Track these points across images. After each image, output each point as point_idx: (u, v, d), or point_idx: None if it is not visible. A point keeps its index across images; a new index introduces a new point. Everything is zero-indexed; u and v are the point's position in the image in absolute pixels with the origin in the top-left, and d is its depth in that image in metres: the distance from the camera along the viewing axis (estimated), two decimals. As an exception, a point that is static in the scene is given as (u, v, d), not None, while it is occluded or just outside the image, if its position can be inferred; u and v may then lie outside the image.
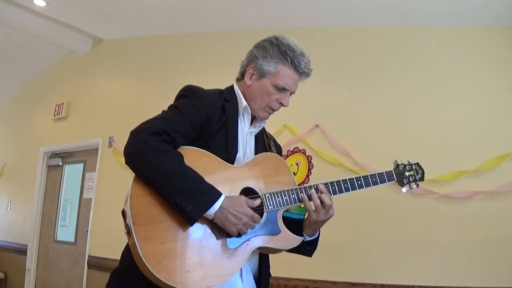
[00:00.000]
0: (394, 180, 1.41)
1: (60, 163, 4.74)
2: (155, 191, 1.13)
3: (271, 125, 3.01)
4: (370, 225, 2.64)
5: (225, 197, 1.17)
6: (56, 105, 4.84)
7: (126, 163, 1.17)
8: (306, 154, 2.94)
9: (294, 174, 2.57)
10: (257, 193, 1.28)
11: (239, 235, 1.19)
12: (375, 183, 1.37)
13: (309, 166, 2.90)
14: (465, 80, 2.63)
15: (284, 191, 1.29)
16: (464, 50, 2.67)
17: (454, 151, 2.53)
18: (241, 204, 1.19)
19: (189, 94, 1.31)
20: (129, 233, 1.10)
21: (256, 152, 1.40)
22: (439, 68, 2.70)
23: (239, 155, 1.33)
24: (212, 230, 1.18)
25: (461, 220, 2.43)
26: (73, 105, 4.74)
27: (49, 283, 4.45)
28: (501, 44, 2.60)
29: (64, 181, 4.69)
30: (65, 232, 4.46)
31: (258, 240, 1.24)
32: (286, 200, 1.29)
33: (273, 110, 1.42)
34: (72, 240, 4.34)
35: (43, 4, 3.76)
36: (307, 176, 2.90)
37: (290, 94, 1.42)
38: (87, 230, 4.08)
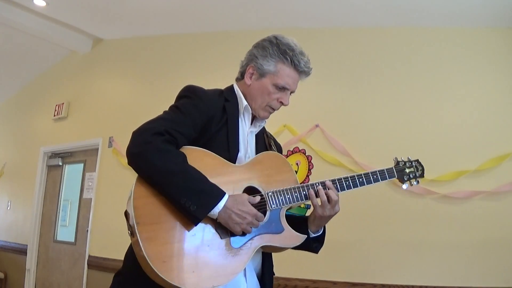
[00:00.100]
0: (394, 177, 1.43)
1: (60, 163, 4.74)
2: (158, 191, 1.13)
3: (271, 125, 3.01)
4: (370, 225, 2.65)
5: (229, 196, 1.17)
6: (56, 105, 4.84)
7: (129, 163, 1.16)
8: (306, 154, 2.94)
9: (294, 174, 2.57)
10: (260, 192, 1.28)
11: (243, 234, 1.19)
12: (376, 180, 1.38)
13: (309, 166, 2.90)
14: (465, 80, 2.63)
15: (286, 190, 1.30)
16: (464, 50, 2.67)
17: (454, 151, 2.53)
18: (245, 203, 1.19)
19: (190, 94, 1.31)
20: (132, 234, 1.10)
21: (257, 152, 1.40)
22: (439, 68, 2.70)
23: (241, 154, 1.33)
24: (216, 230, 1.18)
25: (461, 220, 2.43)
26: (73, 105, 4.74)
27: (49, 283, 4.45)
28: (501, 44, 2.61)
29: (64, 181, 4.69)
30: (65, 232, 4.46)
31: (261, 239, 1.24)
32: (289, 198, 1.29)
33: (274, 110, 1.42)
34: (72, 240, 4.33)
35: (43, 4, 3.76)
36: (307, 176, 2.90)
37: (290, 93, 1.42)
38: (87, 230, 4.08)
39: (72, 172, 4.64)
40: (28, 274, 4.57)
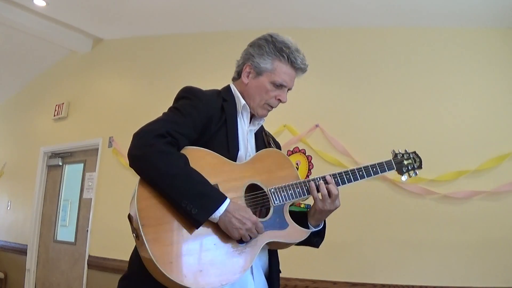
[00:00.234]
0: (394, 169, 1.45)
1: (60, 163, 4.74)
2: (160, 193, 1.13)
3: (271, 125, 3.02)
4: (370, 225, 2.65)
5: (230, 201, 1.17)
6: (56, 105, 4.84)
7: (131, 165, 1.16)
8: (306, 154, 2.94)
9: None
10: (262, 189, 1.28)
11: (241, 241, 1.18)
12: (376, 173, 1.40)
13: (309, 166, 2.90)
14: (465, 80, 2.63)
15: (288, 185, 1.31)
16: (464, 50, 2.67)
17: (454, 151, 2.53)
18: (246, 210, 1.19)
19: (188, 95, 1.31)
20: (138, 236, 1.10)
21: (257, 150, 1.41)
22: (439, 68, 2.70)
23: (241, 153, 1.34)
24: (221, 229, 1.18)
25: (461, 220, 2.43)
26: (73, 105, 4.74)
27: (49, 283, 4.45)
28: (501, 44, 2.61)
29: (64, 181, 4.69)
30: (65, 232, 4.46)
31: (267, 235, 1.24)
32: (291, 194, 1.30)
33: (272, 107, 1.43)
34: (72, 240, 4.34)
35: (43, 4, 3.76)
36: (307, 176, 2.90)
37: (288, 90, 1.43)
38: (87, 230, 4.08)
39: (72, 172, 4.64)
40: (28, 274, 4.57)
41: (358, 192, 2.67)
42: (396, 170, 1.45)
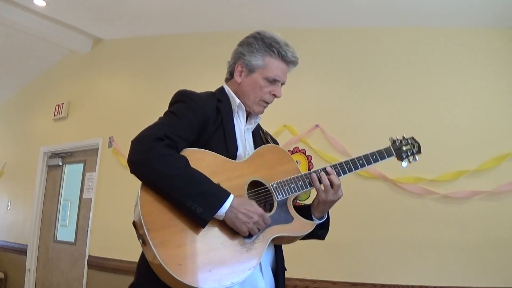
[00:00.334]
0: (393, 155, 1.45)
1: (60, 163, 4.74)
2: (163, 196, 1.13)
3: (271, 125, 3.02)
4: (370, 225, 2.65)
5: (234, 197, 1.17)
6: (56, 105, 4.84)
7: (132, 172, 1.16)
8: (306, 154, 2.94)
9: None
10: (264, 185, 1.29)
11: (250, 236, 1.18)
12: (375, 161, 1.41)
13: (309, 166, 2.90)
14: (465, 80, 2.63)
15: (290, 179, 1.31)
16: (464, 50, 2.67)
17: (454, 151, 2.54)
18: (251, 203, 1.19)
19: (183, 98, 1.32)
20: (144, 242, 1.10)
21: (256, 147, 1.41)
22: (439, 68, 2.70)
23: (240, 152, 1.34)
24: (227, 226, 1.18)
25: (461, 220, 2.43)
26: (73, 105, 4.74)
27: (49, 283, 4.45)
28: (501, 44, 2.61)
29: (64, 181, 4.69)
30: (65, 232, 4.46)
31: (273, 231, 1.24)
32: (293, 187, 1.31)
33: (267, 103, 1.43)
34: (72, 240, 4.33)
35: (43, 4, 3.76)
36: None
37: (281, 85, 1.44)
38: (87, 230, 4.08)
39: (72, 172, 4.64)
40: (28, 274, 4.57)
41: (358, 192, 2.67)
42: (396, 157, 1.46)
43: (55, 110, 4.83)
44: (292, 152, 2.99)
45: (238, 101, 1.39)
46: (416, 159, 1.49)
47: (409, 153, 1.48)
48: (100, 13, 3.88)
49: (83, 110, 4.60)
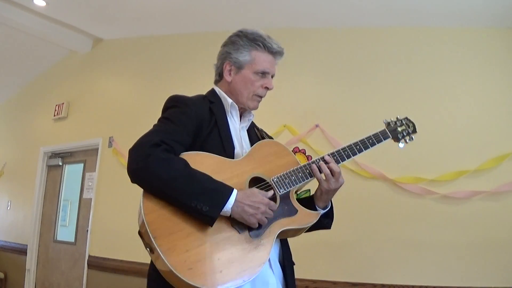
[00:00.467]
0: (389, 137, 1.45)
1: (60, 163, 4.74)
2: (167, 201, 1.13)
3: (271, 125, 3.03)
4: (370, 225, 2.65)
5: (238, 190, 1.18)
6: (56, 105, 4.84)
7: (133, 181, 1.16)
8: (306, 154, 2.94)
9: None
10: (265, 180, 1.29)
11: (259, 226, 1.19)
12: (372, 144, 1.41)
13: (309, 166, 2.90)
14: (465, 80, 2.63)
15: (290, 172, 1.32)
16: (464, 50, 2.67)
17: (454, 151, 2.54)
18: (256, 194, 1.20)
19: (175, 103, 1.33)
20: (152, 250, 1.10)
21: (252, 145, 1.41)
22: (439, 68, 2.70)
23: (237, 151, 1.35)
24: (232, 226, 1.19)
25: (461, 220, 2.43)
26: (73, 105, 4.74)
27: (49, 283, 4.45)
28: (501, 44, 2.61)
29: (64, 181, 4.69)
30: (65, 232, 4.46)
31: (279, 225, 1.24)
32: (294, 179, 1.31)
33: (261, 97, 1.44)
34: (72, 240, 4.33)
35: (43, 4, 3.76)
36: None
37: (272, 77, 1.45)
38: (87, 230, 4.08)
39: (72, 172, 4.64)
40: (28, 274, 4.56)
41: (358, 192, 2.67)
42: (392, 138, 1.46)
43: (55, 110, 4.83)
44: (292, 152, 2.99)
45: (230, 100, 1.40)
46: (412, 139, 1.49)
47: (404, 134, 1.48)
48: (100, 13, 3.88)
49: (83, 110, 4.60)
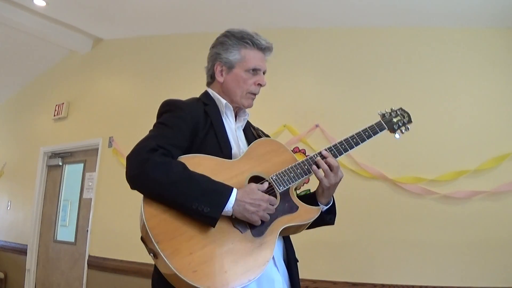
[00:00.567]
0: (385, 128, 1.46)
1: (60, 163, 4.74)
2: (167, 205, 1.14)
3: (271, 125, 3.03)
4: (370, 225, 2.65)
5: (237, 189, 1.18)
6: (56, 105, 4.84)
7: (133, 187, 1.16)
8: (306, 154, 2.94)
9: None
10: (264, 179, 1.29)
11: (262, 223, 1.20)
12: (369, 137, 1.42)
13: (309, 166, 2.90)
14: (465, 80, 2.63)
15: (289, 169, 1.32)
16: (464, 50, 2.67)
17: (454, 151, 2.54)
18: (255, 191, 1.20)
19: (170, 108, 1.33)
20: (155, 255, 1.10)
21: (249, 144, 1.42)
22: (439, 68, 2.70)
23: (234, 151, 1.35)
24: (234, 226, 1.19)
25: (461, 220, 2.43)
26: (73, 105, 4.74)
27: (49, 283, 4.45)
28: (501, 44, 2.61)
29: (64, 181, 4.69)
30: (65, 232, 4.46)
31: (281, 222, 1.25)
32: (293, 176, 1.31)
33: (255, 95, 1.44)
34: (72, 240, 4.33)
35: (43, 4, 3.76)
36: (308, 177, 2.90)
37: (263, 73, 1.45)
38: (87, 230, 4.08)
39: (72, 172, 4.64)
40: (28, 274, 4.57)
41: (358, 192, 2.67)
42: (388, 129, 1.47)
43: (55, 110, 4.83)
44: (292, 152, 2.99)
45: (224, 101, 1.41)
46: (408, 129, 1.50)
47: (400, 124, 1.49)
48: (100, 13, 3.88)
49: (83, 110, 4.60)
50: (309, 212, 1.31)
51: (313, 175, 1.34)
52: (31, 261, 4.60)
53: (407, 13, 2.75)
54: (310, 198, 1.38)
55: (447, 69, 2.68)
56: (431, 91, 2.68)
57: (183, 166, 1.17)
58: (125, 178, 1.16)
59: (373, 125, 1.44)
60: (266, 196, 1.21)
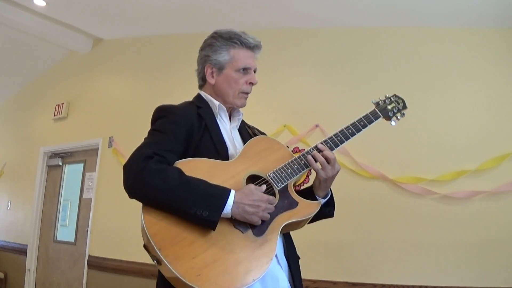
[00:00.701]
0: (380, 117, 1.45)
1: (60, 163, 4.74)
2: (166, 211, 1.14)
3: (271, 125, 3.03)
4: (370, 225, 2.64)
5: (236, 191, 1.18)
6: (56, 105, 4.84)
7: (131, 196, 1.17)
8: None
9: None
10: (262, 177, 1.29)
11: (262, 223, 1.20)
12: (364, 126, 1.41)
13: (309, 166, 2.90)
14: (465, 80, 2.63)
15: (285, 165, 1.32)
16: (464, 50, 2.67)
17: (454, 151, 2.54)
18: (253, 192, 1.20)
19: (163, 113, 1.33)
20: (159, 261, 1.10)
21: (245, 143, 1.41)
22: (439, 68, 2.70)
23: (231, 151, 1.35)
24: (235, 227, 1.19)
25: (461, 220, 2.43)
26: (73, 105, 4.74)
27: (49, 283, 4.45)
28: (501, 44, 2.61)
29: (64, 181, 4.69)
30: (65, 232, 4.46)
31: (281, 219, 1.25)
32: (290, 172, 1.31)
33: (247, 94, 1.44)
34: (72, 240, 4.34)
35: (43, 4, 3.76)
36: (307, 176, 2.90)
37: (254, 72, 1.45)
38: (87, 230, 4.08)
39: (72, 172, 4.64)
40: (28, 274, 4.57)
41: (358, 192, 2.67)
42: (383, 117, 1.46)
43: (55, 110, 4.83)
44: (292, 152, 2.99)
45: (217, 103, 1.41)
46: (404, 115, 1.49)
47: (395, 111, 1.48)
48: (100, 13, 3.88)
49: (83, 110, 4.60)
50: (309, 207, 1.30)
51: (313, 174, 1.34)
52: (31, 261, 4.60)
53: (407, 13, 2.75)
54: (307, 193, 1.38)
55: (447, 69, 2.68)
56: (431, 91, 2.68)
57: (180, 171, 1.17)
58: (125, 178, 1.16)
59: (367, 114, 1.43)
60: (265, 196, 1.20)
